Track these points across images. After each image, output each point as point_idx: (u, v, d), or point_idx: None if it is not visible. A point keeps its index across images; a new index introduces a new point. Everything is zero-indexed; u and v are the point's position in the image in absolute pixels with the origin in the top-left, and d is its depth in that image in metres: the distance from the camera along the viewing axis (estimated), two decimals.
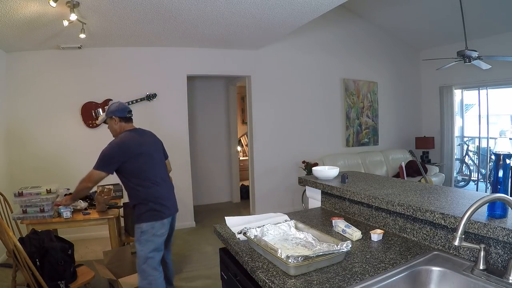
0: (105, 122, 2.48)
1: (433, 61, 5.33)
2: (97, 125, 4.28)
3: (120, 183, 2.41)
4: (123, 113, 2.40)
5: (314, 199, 2.15)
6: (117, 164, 2.24)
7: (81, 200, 3.00)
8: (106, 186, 3.06)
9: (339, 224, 1.54)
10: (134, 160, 2.27)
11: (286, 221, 1.57)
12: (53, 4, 2.57)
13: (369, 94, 6.09)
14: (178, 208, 2.54)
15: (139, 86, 4.45)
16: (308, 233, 1.43)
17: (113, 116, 2.39)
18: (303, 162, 5.09)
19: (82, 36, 3.30)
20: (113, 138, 2.40)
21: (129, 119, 2.44)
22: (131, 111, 2.46)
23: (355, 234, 1.44)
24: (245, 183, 6.24)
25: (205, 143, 6.02)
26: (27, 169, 4.02)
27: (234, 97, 6.18)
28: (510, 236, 1.04)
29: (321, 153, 5.44)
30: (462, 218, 1.00)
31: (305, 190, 3.10)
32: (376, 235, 1.43)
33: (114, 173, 2.33)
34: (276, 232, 1.47)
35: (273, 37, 4.37)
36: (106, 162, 2.23)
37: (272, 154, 5.19)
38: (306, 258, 1.10)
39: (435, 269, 1.17)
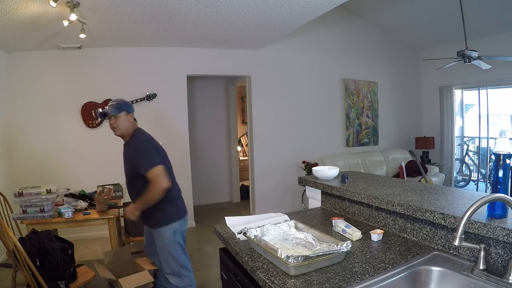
0: (106, 117, 2.26)
1: (433, 61, 5.33)
2: (97, 125, 4.28)
3: (132, 190, 2.23)
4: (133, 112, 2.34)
5: (314, 199, 2.15)
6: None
7: (81, 200, 3.00)
8: (106, 186, 3.05)
9: (339, 224, 1.54)
10: (165, 158, 2.24)
11: (286, 221, 1.57)
12: (53, 4, 2.57)
13: (369, 94, 6.09)
14: None
15: (139, 86, 4.45)
16: (308, 233, 1.43)
17: (131, 112, 2.27)
18: (303, 162, 5.09)
19: (82, 36, 3.30)
20: (120, 136, 2.26)
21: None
22: None
23: (355, 234, 1.44)
24: (245, 183, 6.24)
25: (205, 143, 6.02)
26: (27, 169, 4.02)
27: (234, 97, 6.18)
28: (510, 236, 1.04)
29: (321, 153, 5.43)
30: (462, 218, 1.00)
31: (305, 190, 3.10)
32: (376, 235, 1.43)
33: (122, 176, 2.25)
34: (276, 232, 1.47)
35: (273, 37, 4.37)
36: (155, 155, 2.13)
37: (272, 154, 5.19)
38: (306, 258, 1.10)
39: (435, 269, 1.17)
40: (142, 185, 2.14)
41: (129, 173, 2.23)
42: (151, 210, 2.17)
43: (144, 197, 2.11)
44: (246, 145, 7.51)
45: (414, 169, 5.49)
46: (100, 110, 2.18)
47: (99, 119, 2.21)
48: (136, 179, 2.18)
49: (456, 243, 1.00)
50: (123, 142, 2.34)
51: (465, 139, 6.85)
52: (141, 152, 2.13)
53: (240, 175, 6.38)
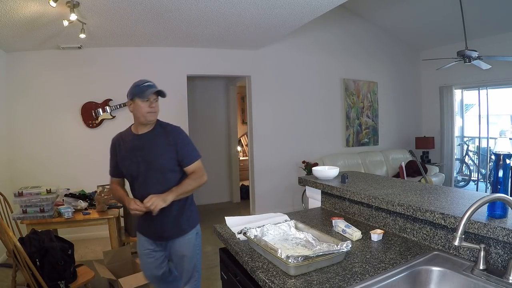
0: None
1: (433, 61, 5.33)
2: (97, 125, 4.28)
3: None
4: None
5: (314, 199, 2.15)
6: None
7: (81, 200, 3.00)
8: (106, 186, 3.05)
9: (339, 224, 1.54)
10: None
11: (286, 221, 1.57)
12: (53, 4, 2.58)
13: (369, 94, 6.09)
14: None
15: None
16: (308, 233, 1.43)
17: None
18: (303, 162, 5.09)
19: (82, 36, 3.30)
20: (146, 124, 2.03)
21: None
22: None
23: (355, 234, 1.44)
24: (245, 183, 6.24)
25: (205, 143, 6.00)
26: (27, 169, 4.02)
27: (234, 97, 6.18)
28: (510, 236, 1.04)
29: (321, 153, 5.43)
30: (462, 218, 1.00)
31: (305, 190, 3.10)
32: (376, 235, 1.43)
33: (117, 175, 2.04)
34: (276, 232, 1.47)
35: (273, 37, 4.37)
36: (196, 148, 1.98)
37: (272, 154, 5.19)
38: (306, 258, 1.10)
39: (435, 269, 1.17)
40: (177, 178, 1.93)
41: (165, 164, 1.92)
42: (175, 214, 1.93)
43: (183, 185, 1.87)
44: (246, 145, 7.51)
45: (414, 169, 5.49)
46: (154, 86, 1.94)
47: (155, 97, 1.89)
48: (172, 171, 1.93)
49: (456, 243, 1.00)
50: (133, 133, 2.06)
51: (465, 139, 6.85)
52: (189, 143, 1.98)
53: (240, 175, 6.38)
